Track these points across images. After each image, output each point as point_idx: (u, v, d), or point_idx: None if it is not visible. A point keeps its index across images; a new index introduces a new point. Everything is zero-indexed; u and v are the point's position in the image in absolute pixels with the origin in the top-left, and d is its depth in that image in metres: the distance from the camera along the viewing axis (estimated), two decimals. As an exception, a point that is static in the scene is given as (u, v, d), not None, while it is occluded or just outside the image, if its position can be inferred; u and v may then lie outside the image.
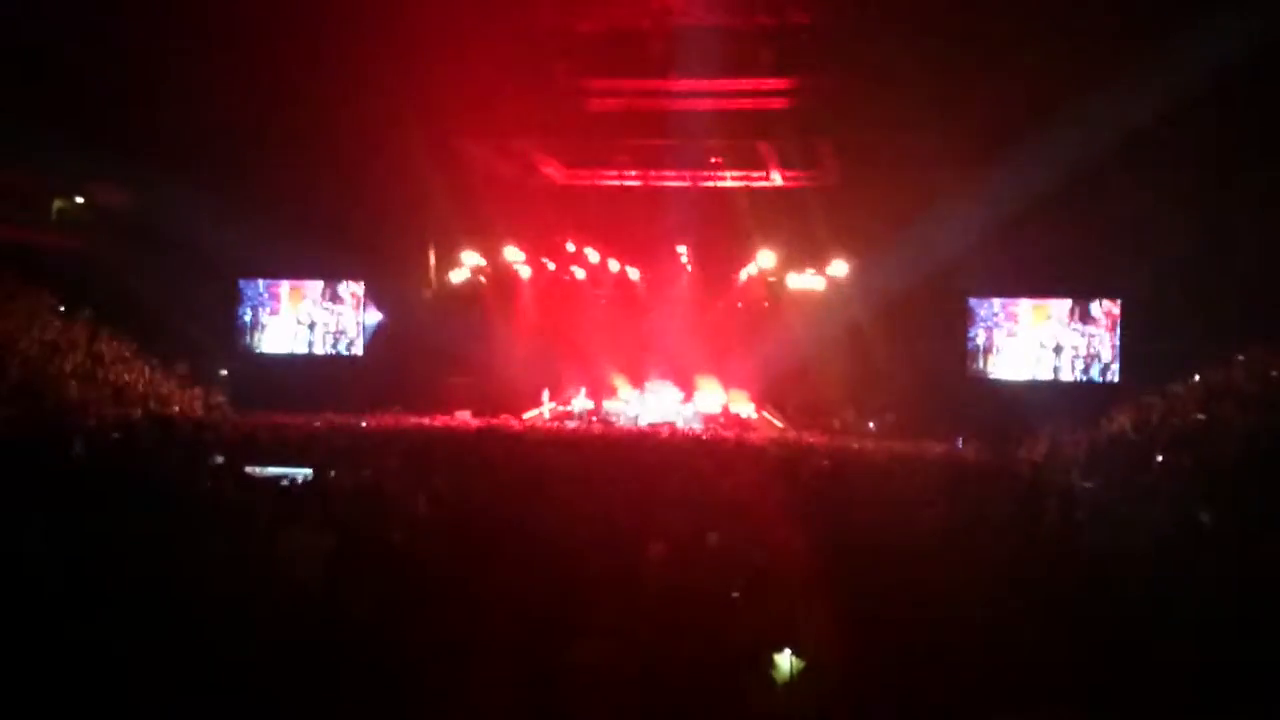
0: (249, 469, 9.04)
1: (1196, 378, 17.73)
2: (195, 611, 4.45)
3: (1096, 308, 23.88)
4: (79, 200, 25.43)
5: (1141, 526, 8.07)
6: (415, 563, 5.04)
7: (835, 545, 6.00)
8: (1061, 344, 24.10)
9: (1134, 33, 16.97)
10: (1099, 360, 23.79)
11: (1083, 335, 23.98)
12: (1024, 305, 24.65)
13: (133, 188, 24.64)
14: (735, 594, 4.94)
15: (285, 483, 8.20)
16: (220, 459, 10.25)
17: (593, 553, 5.57)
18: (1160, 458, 13.86)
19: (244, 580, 4.80)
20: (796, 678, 4.16)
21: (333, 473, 8.60)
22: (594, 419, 24.50)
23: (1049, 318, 24.34)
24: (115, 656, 4.29)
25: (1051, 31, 17.67)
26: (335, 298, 27.32)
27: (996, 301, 24.72)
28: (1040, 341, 24.27)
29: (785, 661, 4.18)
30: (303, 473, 9.22)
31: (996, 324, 24.71)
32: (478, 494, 7.22)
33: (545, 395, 26.11)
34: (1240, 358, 17.45)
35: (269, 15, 18.72)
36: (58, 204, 25.20)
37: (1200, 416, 15.73)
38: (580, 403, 26.13)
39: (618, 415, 25.05)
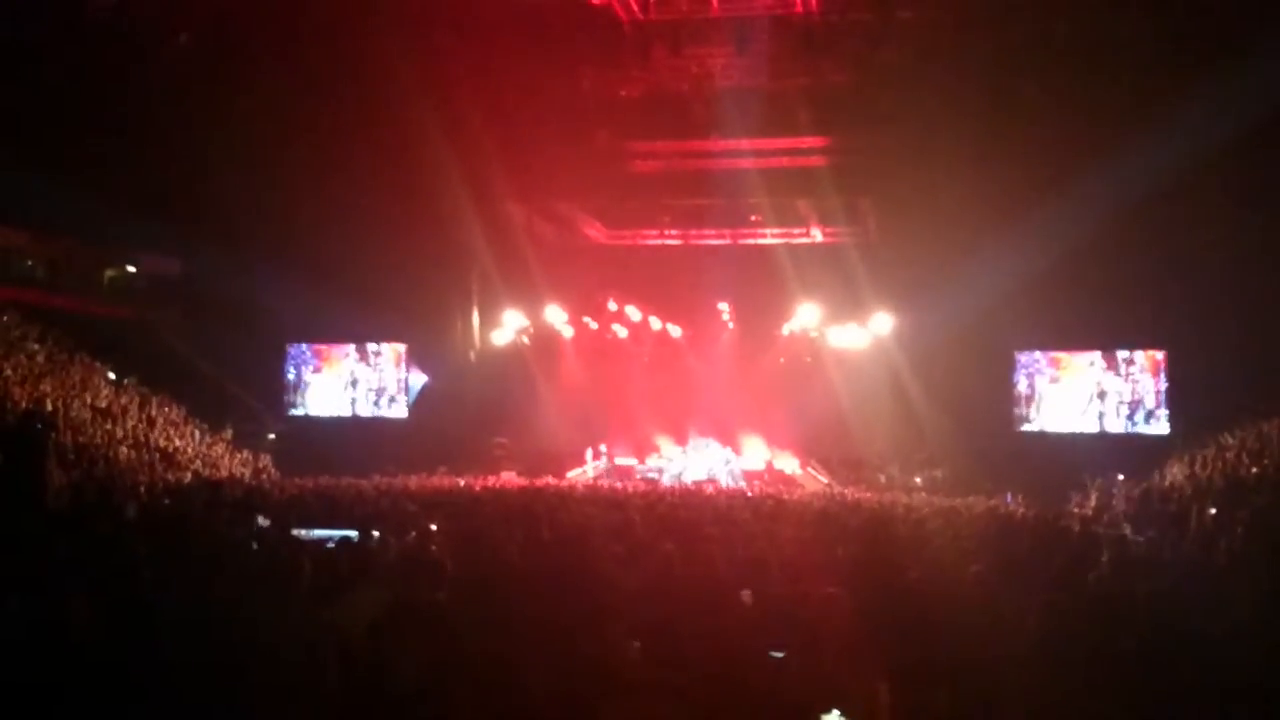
0: (296, 531, 9.11)
1: (1249, 431, 17.42)
2: (243, 674, 4.49)
3: (1139, 355, 23.69)
4: (130, 269, 25.96)
5: (1197, 582, 7.92)
6: (460, 623, 5.05)
7: (884, 602, 5.94)
8: (1105, 389, 23.87)
9: (1174, 81, 16.96)
10: (1143, 406, 23.52)
11: (1126, 380, 23.75)
12: (1065, 351, 24.53)
13: (182, 256, 25.16)
14: (782, 654, 4.91)
15: (331, 545, 8.24)
16: (267, 522, 10.34)
17: (637, 611, 5.55)
18: (1214, 510, 13.59)
19: (291, 642, 4.83)
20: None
21: (378, 534, 8.63)
22: (638, 477, 24.48)
23: (1091, 364, 24.16)
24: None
25: (1090, 82, 17.70)
26: (378, 357, 27.67)
27: (1036, 350, 24.62)
28: (1083, 387, 24.07)
29: (833, 722, 4.14)
30: (349, 535, 9.26)
31: (1039, 370, 24.55)
32: (522, 553, 7.22)
33: (589, 454, 26.17)
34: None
35: (317, 85, 19.18)
36: (109, 273, 25.75)
37: (1254, 469, 15.45)
38: (624, 460, 26.14)
39: (661, 472, 25.02)
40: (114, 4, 17.75)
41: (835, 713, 4.07)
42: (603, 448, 26.31)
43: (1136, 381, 23.73)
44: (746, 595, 6.41)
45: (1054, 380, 24.46)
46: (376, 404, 27.63)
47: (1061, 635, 5.77)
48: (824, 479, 24.20)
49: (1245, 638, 6.02)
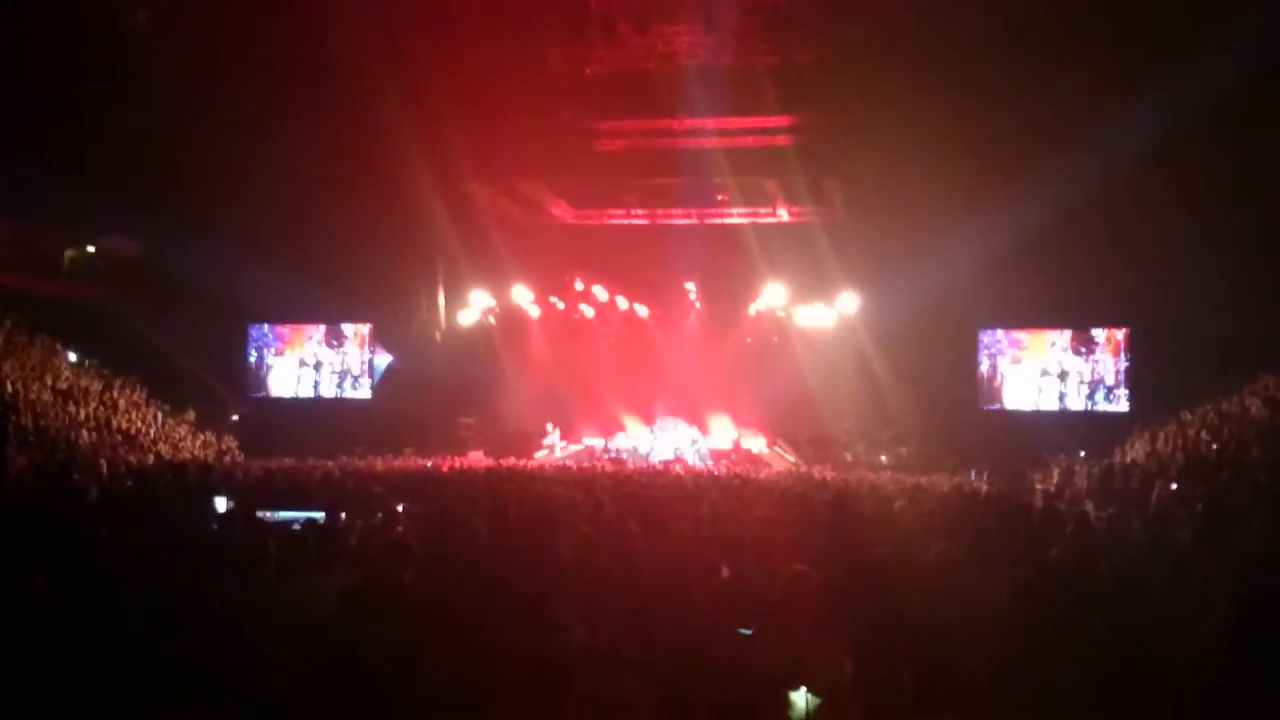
0: (260, 514, 9.04)
1: (1209, 408, 17.64)
2: (209, 656, 4.46)
3: (1100, 333, 23.94)
4: (90, 250, 25.61)
5: (1158, 557, 8.01)
6: (427, 603, 5.04)
7: (851, 580, 5.97)
8: (1066, 369, 24.12)
9: (1139, 62, 17.09)
10: (1104, 384, 23.78)
11: (1086, 360, 24.00)
12: (1027, 331, 24.74)
13: (142, 236, 24.85)
14: (748, 631, 4.92)
15: (297, 527, 8.20)
16: (232, 504, 10.27)
17: (604, 592, 5.55)
18: (1174, 486, 13.77)
19: (256, 626, 4.81)
20: (812, 716, 4.14)
21: (344, 516, 8.59)
22: (605, 457, 24.49)
23: (1052, 344, 24.39)
24: (127, 704, 4.28)
25: (1056, 62, 17.80)
26: (341, 338, 27.51)
27: (999, 329, 24.82)
28: (1044, 368, 24.30)
29: (801, 700, 4.16)
30: (315, 517, 9.21)
31: (1000, 351, 24.75)
32: (488, 534, 7.20)
33: (556, 434, 26.15)
34: (1251, 386, 17.38)
35: (278, 64, 18.96)
36: (69, 254, 25.39)
37: (1214, 446, 15.65)
38: (591, 440, 26.15)
39: (629, 453, 25.03)
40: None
41: (802, 690, 4.09)
42: (552, 428, 26.26)
43: (1098, 361, 23.99)
44: (725, 572, 6.44)
45: (1016, 360, 24.67)
46: (341, 385, 27.46)
47: (1026, 611, 5.82)
48: (791, 458, 24.30)
49: (1203, 610, 6.10)
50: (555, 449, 25.73)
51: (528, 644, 4.34)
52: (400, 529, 7.73)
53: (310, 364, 27.55)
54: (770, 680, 4.31)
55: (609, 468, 20.29)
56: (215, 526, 8.45)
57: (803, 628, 4.86)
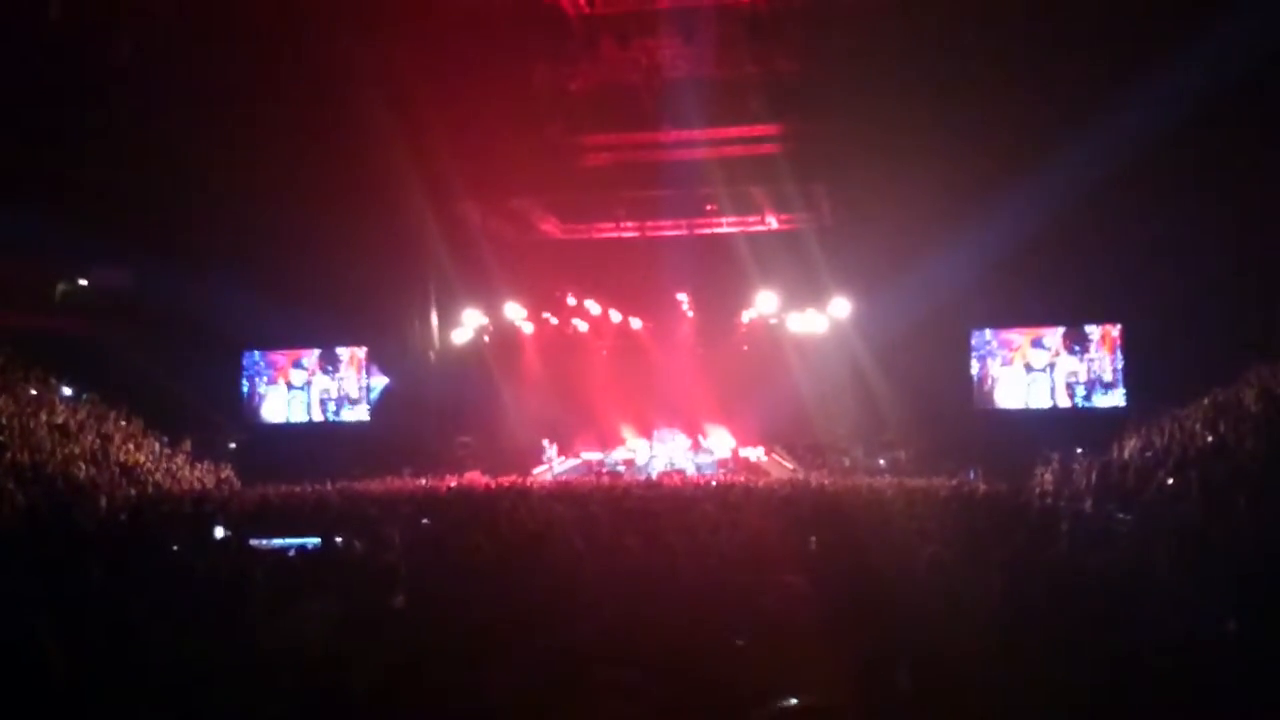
0: (255, 541, 9.05)
1: (1204, 401, 17.61)
2: (196, 690, 4.45)
3: (1095, 330, 23.92)
4: (82, 283, 25.62)
5: (1150, 551, 8.02)
6: (418, 627, 5.04)
7: (847, 586, 5.98)
8: (1063, 366, 24.10)
9: (1120, 65, 17.13)
10: (1100, 381, 23.74)
11: (1081, 359, 23.97)
12: (1018, 331, 24.70)
13: (134, 268, 24.86)
14: (741, 641, 4.92)
15: (292, 553, 8.20)
16: (227, 533, 10.26)
17: (601, 606, 5.56)
18: (1171, 481, 13.77)
19: (244, 654, 4.80)
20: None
21: (339, 540, 8.59)
22: (603, 471, 24.47)
23: (1048, 341, 24.38)
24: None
25: (1042, 64, 17.83)
26: (336, 362, 27.48)
27: (988, 330, 24.77)
28: (1036, 366, 24.27)
29: (793, 709, 4.14)
30: (310, 542, 9.22)
31: (995, 350, 24.70)
32: (483, 554, 7.21)
33: (554, 450, 26.15)
34: (1245, 377, 17.36)
35: (264, 90, 18.99)
36: (61, 287, 25.40)
37: (1209, 439, 15.63)
38: (589, 455, 26.14)
39: (628, 465, 25.02)
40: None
41: (792, 700, 4.07)
42: (549, 444, 26.26)
43: (1093, 359, 23.96)
44: (722, 582, 6.43)
45: (1008, 362, 24.61)
46: (338, 409, 27.43)
47: (1022, 612, 5.82)
48: (789, 465, 24.28)
49: (1199, 603, 6.10)
50: (554, 465, 25.71)
51: (517, 665, 4.34)
52: (395, 553, 7.73)
53: (305, 389, 27.54)
54: (765, 690, 4.30)
55: (606, 481, 20.29)
56: (207, 558, 8.43)
57: (795, 636, 4.86)
